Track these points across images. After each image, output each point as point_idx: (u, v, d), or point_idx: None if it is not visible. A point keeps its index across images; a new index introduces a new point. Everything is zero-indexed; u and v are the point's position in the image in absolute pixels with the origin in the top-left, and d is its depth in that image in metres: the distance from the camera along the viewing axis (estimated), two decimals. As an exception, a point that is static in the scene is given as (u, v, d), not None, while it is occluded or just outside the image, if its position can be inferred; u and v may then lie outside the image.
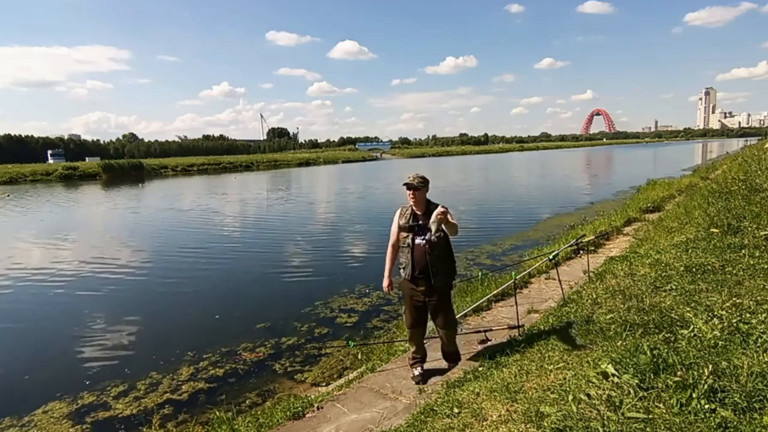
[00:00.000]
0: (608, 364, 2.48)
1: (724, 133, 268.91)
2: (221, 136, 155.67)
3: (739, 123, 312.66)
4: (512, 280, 5.32)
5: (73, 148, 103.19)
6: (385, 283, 3.88)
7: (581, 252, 7.32)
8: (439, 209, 3.43)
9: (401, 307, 7.09)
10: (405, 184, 3.65)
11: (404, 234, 3.72)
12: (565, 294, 5.13)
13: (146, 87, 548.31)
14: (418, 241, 3.66)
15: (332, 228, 15.25)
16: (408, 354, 4.16)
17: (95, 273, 10.11)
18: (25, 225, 18.53)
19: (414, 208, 3.70)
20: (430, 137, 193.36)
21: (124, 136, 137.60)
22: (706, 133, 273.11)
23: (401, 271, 3.78)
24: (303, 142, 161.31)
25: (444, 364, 4.13)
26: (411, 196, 3.65)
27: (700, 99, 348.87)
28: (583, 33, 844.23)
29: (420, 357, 4.06)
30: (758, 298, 3.28)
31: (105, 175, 51.37)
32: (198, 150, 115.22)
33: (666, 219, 9.10)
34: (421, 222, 3.66)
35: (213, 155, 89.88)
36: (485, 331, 4.59)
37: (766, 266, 4.12)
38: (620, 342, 3.02)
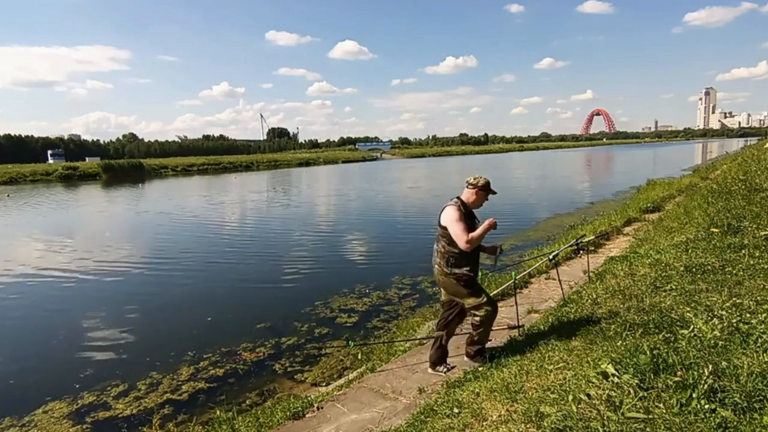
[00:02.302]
0: (608, 364, 2.48)
1: (724, 133, 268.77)
2: (221, 136, 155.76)
3: (739, 123, 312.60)
4: (512, 280, 5.32)
5: (73, 148, 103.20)
6: (492, 220, 3.72)
7: (581, 252, 7.32)
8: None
9: (401, 306, 7.10)
10: (488, 195, 3.85)
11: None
12: (565, 294, 5.14)
13: (146, 87, 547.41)
14: None
15: (332, 228, 15.26)
16: (430, 352, 4.05)
17: (95, 272, 10.11)
18: (25, 225, 18.54)
19: (472, 206, 3.83)
20: (430, 137, 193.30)
21: (124, 136, 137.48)
22: (706, 133, 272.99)
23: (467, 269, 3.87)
24: (303, 142, 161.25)
25: (456, 360, 4.13)
26: (485, 198, 3.82)
27: (700, 99, 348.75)
28: (583, 33, 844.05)
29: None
30: (758, 298, 3.28)
31: (105, 175, 51.32)
32: (198, 150, 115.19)
33: (666, 219, 9.11)
34: (477, 220, 3.84)
35: (213, 155, 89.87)
36: (485, 331, 4.59)
37: (766, 266, 4.12)
38: (620, 342, 3.02)
